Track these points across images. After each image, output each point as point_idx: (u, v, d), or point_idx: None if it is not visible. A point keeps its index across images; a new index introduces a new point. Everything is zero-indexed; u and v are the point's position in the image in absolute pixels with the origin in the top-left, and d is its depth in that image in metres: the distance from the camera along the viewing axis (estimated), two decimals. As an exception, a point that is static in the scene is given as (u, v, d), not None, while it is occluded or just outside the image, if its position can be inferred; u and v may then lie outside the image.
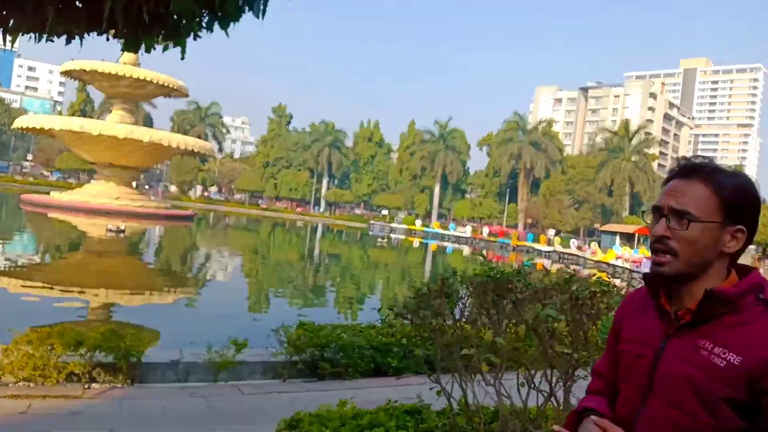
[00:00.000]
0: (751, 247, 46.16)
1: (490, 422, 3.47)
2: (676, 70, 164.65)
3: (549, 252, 47.20)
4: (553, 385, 2.84)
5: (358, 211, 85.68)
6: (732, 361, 1.12)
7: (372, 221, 68.51)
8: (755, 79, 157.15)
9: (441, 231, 61.12)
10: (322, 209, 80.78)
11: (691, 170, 1.24)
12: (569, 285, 2.94)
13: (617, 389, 1.34)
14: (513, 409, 3.29)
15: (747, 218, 1.22)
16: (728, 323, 1.16)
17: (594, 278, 3.24)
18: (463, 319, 3.58)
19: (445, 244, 50.96)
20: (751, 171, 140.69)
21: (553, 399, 3.02)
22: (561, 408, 3.01)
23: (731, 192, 1.20)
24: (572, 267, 36.42)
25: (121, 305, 11.77)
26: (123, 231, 24.65)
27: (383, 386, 6.02)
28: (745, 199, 1.22)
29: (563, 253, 46.02)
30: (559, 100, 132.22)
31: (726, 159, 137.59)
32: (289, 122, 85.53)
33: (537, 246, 50.58)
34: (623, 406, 1.29)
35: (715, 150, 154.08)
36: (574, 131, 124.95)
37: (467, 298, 3.44)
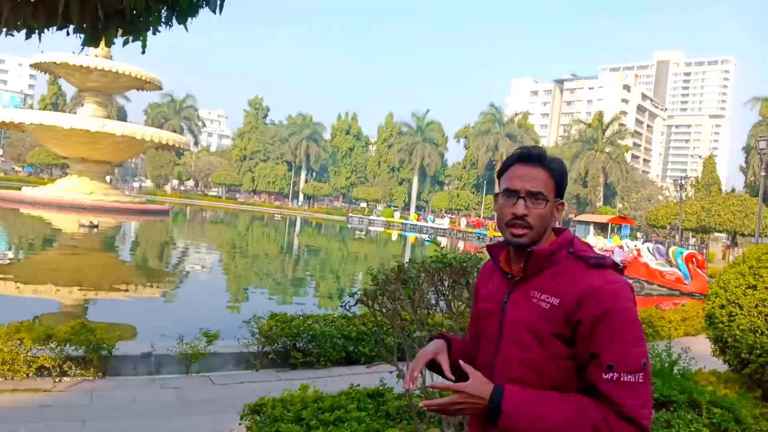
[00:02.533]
0: (722, 235, 47.20)
1: (447, 403, 3.61)
2: (649, 62, 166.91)
3: (525, 242, 47.75)
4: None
5: (336, 204, 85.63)
6: (553, 303, 1.40)
7: (350, 214, 68.53)
8: (726, 71, 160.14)
9: (419, 223, 61.47)
10: (300, 202, 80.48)
11: (534, 158, 1.51)
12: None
13: (480, 341, 1.59)
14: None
15: (563, 194, 1.53)
16: (549, 274, 1.45)
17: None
18: (421, 305, 3.71)
19: (424, 235, 51.21)
20: (722, 160, 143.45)
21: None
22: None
23: (560, 176, 1.51)
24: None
25: (94, 300, 11.69)
26: (96, 226, 24.35)
27: (354, 374, 6.14)
28: (565, 180, 1.54)
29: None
30: (535, 93, 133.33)
31: (698, 149, 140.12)
32: (266, 115, 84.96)
33: (514, 236, 51.10)
34: (482, 355, 1.54)
35: (687, 141, 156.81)
36: (550, 123, 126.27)
37: (423, 284, 3.56)
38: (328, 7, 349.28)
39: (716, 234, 44.20)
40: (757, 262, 4.33)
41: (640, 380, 1.29)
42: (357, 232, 49.63)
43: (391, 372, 3.61)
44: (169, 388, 5.69)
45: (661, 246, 26.43)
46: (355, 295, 3.84)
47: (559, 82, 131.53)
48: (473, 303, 1.72)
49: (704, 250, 35.52)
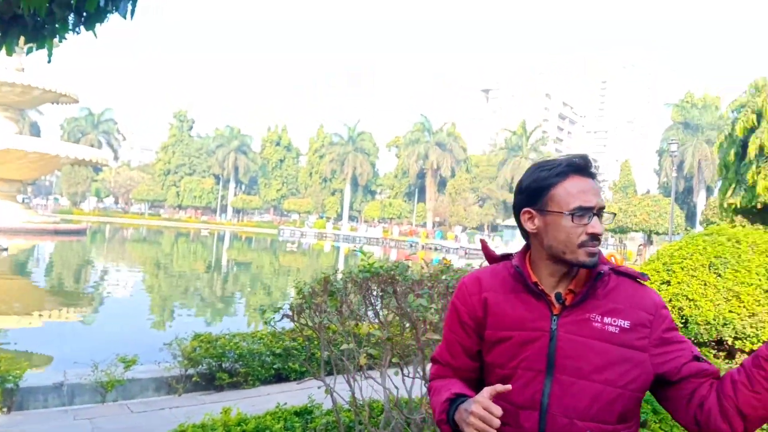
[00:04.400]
0: (638, 234, 49.99)
1: (378, 416, 3.52)
2: (569, 70, 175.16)
3: (456, 248, 48.72)
4: (426, 372, 2.93)
5: (267, 217, 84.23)
6: (623, 325, 1.31)
7: (281, 226, 67.56)
8: (639, 78, 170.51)
9: (352, 233, 61.52)
10: (228, 217, 78.52)
11: (590, 169, 1.38)
12: (442, 275, 3.04)
13: (504, 376, 1.36)
14: (400, 401, 3.36)
15: None
16: (601, 294, 1.34)
17: (469, 268, 3.39)
18: (350, 316, 3.60)
19: (357, 246, 51.18)
20: (637, 163, 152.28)
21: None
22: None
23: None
24: (477, 260, 37.83)
25: (2, 329, 10.81)
26: (5, 249, 22.71)
27: (284, 392, 5.95)
28: None
29: (469, 248, 47.69)
30: (463, 101, 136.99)
31: (613, 153, 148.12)
32: (191, 127, 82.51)
33: (445, 243, 52.10)
34: (522, 392, 1.32)
35: (605, 145, 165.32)
36: (477, 131, 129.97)
37: (351, 295, 3.46)
38: (252, 15, 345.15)
39: (633, 233, 46.65)
40: (669, 258, 4.52)
41: None
42: (289, 244, 48.89)
43: (319, 387, 3.48)
44: (84, 419, 5.28)
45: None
46: (281, 310, 3.69)
47: (486, 91, 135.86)
48: (457, 329, 1.46)
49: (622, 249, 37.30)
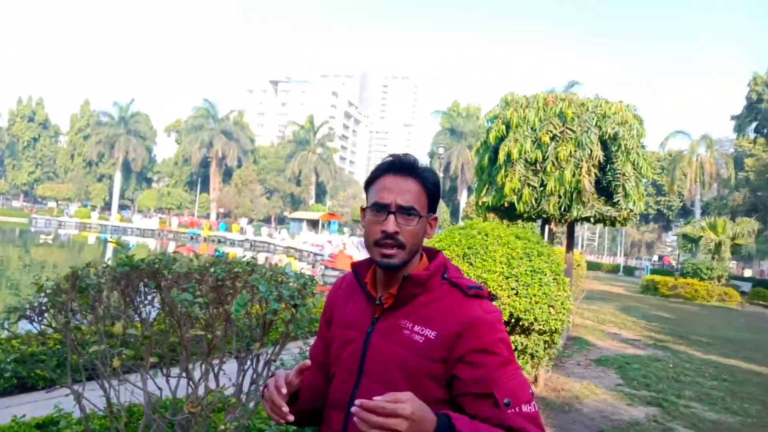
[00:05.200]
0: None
1: (138, 420, 3.25)
2: (354, 72, 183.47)
3: (242, 241, 47.69)
4: (191, 369, 2.79)
5: (16, 204, 72.56)
6: (429, 336, 1.26)
7: (34, 215, 58.81)
8: (415, 86, 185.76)
9: (123, 224, 56.22)
10: (-36, 202, 65.87)
11: (406, 168, 1.34)
12: (211, 268, 2.91)
13: (332, 373, 1.37)
14: (163, 403, 3.14)
15: (436, 208, 1.39)
16: (422, 302, 1.31)
17: (245, 260, 3.30)
18: (107, 314, 3.25)
19: (129, 238, 46.86)
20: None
21: (205, 383, 2.97)
22: (214, 389, 2.99)
23: (434, 188, 1.37)
24: (263, 253, 37.54)
25: None
26: None
27: (28, 402, 5.18)
28: (439, 192, 1.40)
29: (255, 240, 47.06)
30: (250, 91, 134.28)
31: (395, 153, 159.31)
32: None
33: (230, 235, 50.61)
34: (337, 390, 1.33)
35: (385, 145, 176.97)
36: (265, 122, 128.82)
37: (105, 291, 3.12)
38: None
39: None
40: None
41: (536, 408, 1.21)
42: (43, 236, 42.69)
43: (66, 395, 3.09)
44: None
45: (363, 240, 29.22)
46: (18, 311, 3.18)
47: (274, 83, 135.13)
48: (322, 324, 1.51)
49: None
